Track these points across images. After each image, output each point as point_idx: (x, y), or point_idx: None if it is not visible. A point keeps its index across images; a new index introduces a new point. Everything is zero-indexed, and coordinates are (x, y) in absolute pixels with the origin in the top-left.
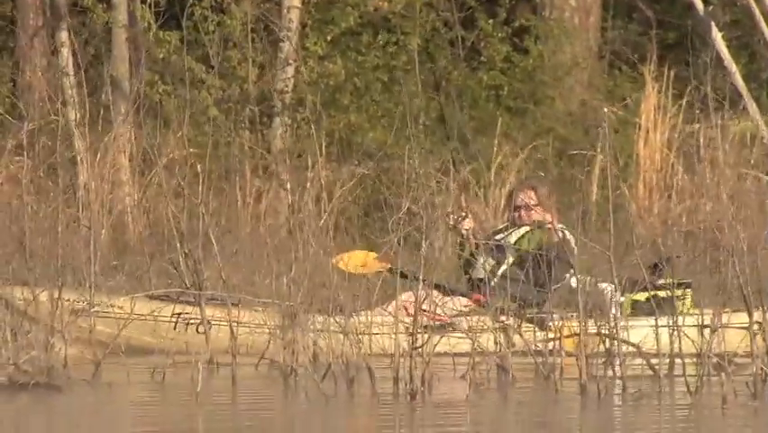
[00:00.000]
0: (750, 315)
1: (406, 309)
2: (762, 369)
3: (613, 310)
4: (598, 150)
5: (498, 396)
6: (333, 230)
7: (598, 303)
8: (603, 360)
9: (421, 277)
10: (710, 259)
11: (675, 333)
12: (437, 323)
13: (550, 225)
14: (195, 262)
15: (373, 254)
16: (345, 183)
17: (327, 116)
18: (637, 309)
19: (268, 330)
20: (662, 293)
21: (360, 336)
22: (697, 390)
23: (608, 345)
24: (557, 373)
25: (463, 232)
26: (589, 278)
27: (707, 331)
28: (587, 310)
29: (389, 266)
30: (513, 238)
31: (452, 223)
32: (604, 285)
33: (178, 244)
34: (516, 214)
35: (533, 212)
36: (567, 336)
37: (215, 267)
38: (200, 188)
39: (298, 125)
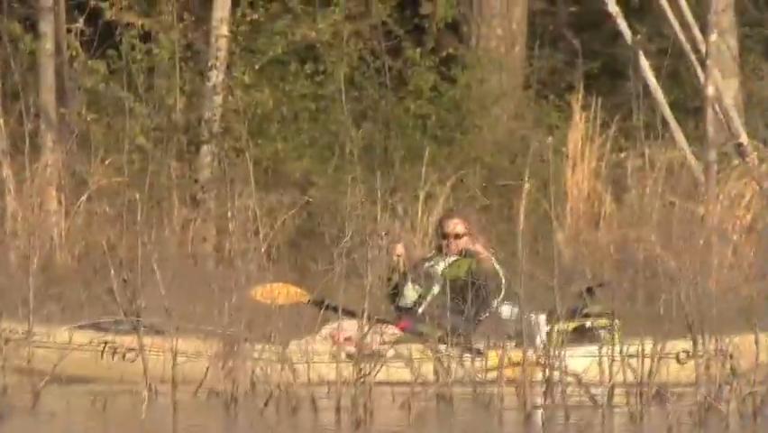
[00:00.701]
0: (695, 343)
1: (333, 339)
2: (705, 397)
3: (540, 339)
4: (526, 178)
5: (440, 425)
6: (266, 259)
7: (528, 332)
8: (543, 389)
9: (341, 307)
10: (645, 288)
11: (614, 363)
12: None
13: (479, 253)
14: (132, 290)
15: (293, 288)
16: (274, 212)
17: (254, 145)
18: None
19: (206, 359)
20: (590, 322)
21: (299, 365)
22: (641, 418)
23: (547, 374)
24: (497, 402)
25: (394, 258)
26: (518, 308)
27: (640, 361)
28: (526, 339)
29: (308, 297)
30: (440, 267)
31: (384, 247)
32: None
33: (112, 271)
34: (445, 242)
35: (461, 241)
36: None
37: (152, 295)
38: (139, 216)
39: (226, 154)
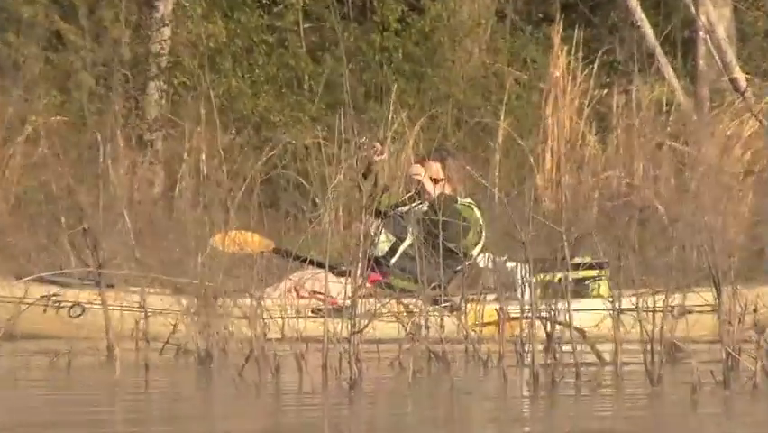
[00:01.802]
0: (719, 294)
1: (296, 292)
2: (728, 355)
3: (524, 291)
4: (502, 117)
5: (437, 386)
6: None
7: (507, 283)
8: (545, 346)
9: (309, 257)
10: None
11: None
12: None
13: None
14: (94, 240)
15: (256, 235)
16: (229, 154)
17: (206, 81)
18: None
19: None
20: (577, 274)
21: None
22: (659, 378)
23: (548, 329)
24: (498, 360)
25: (376, 160)
26: (496, 256)
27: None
28: (531, 291)
29: (273, 246)
30: (413, 215)
31: (363, 153)
32: (511, 264)
33: (63, 219)
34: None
35: (438, 186)
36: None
37: (116, 245)
38: (102, 158)
39: (175, 91)
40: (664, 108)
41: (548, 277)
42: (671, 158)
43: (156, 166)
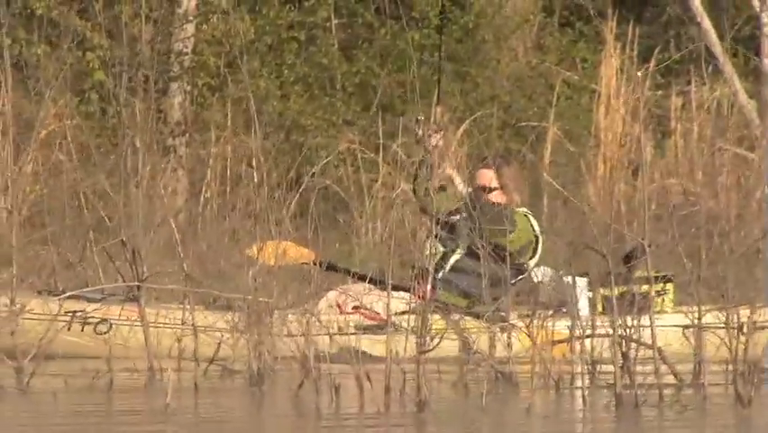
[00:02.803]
0: None
1: (339, 308)
2: None
3: (583, 306)
4: (551, 120)
5: (510, 408)
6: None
7: (564, 298)
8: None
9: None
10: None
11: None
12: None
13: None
14: (134, 252)
15: (296, 246)
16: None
17: (232, 82)
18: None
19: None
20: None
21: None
22: (750, 401)
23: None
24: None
25: (430, 146)
26: (553, 270)
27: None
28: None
29: (314, 258)
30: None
31: (419, 133)
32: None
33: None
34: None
35: (492, 196)
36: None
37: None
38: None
39: (199, 92)
40: (725, 111)
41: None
42: (732, 164)
43: (179, 173)
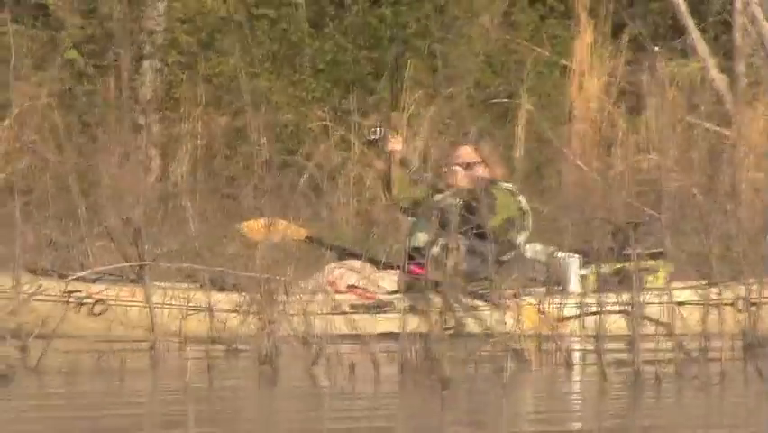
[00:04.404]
0: None
1: (334, 286)
2: None
3: (575, 284)
4: (523, 98)
5: (524, 384)
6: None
7: (558, 276)
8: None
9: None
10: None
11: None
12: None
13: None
14: (135, 231)
15: (287, 223)
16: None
17: (204, 60)
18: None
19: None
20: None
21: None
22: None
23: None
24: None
25: (389, 151)
26: (547, 248)
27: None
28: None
29: (306, 234)
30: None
31: (371, 137)
32: (562, 255)
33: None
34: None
35: (474, 171)
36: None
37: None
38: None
39: (170, 70)
40: (697, 86)
41: (606, 268)
42: (705, 140)
43: (151, 151)
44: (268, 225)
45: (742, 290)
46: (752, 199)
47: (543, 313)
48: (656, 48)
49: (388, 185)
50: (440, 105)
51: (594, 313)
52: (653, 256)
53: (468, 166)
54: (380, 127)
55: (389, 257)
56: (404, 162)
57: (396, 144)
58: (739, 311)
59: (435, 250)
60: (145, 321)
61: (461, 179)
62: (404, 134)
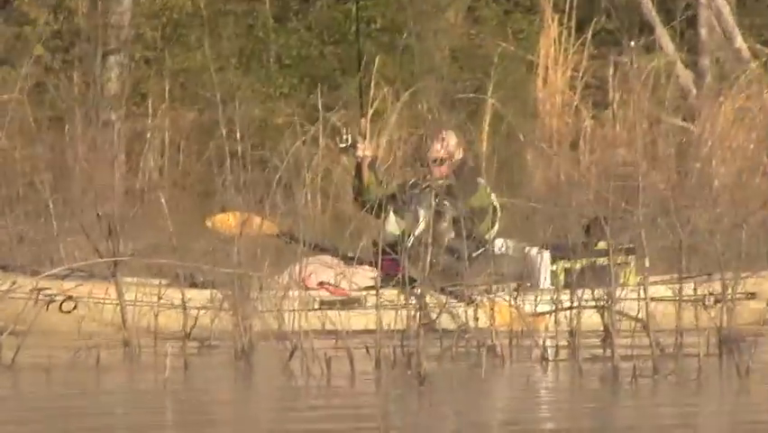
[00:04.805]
0: None
1: (305, 282)
2: None
3: (544, 279)
4: (489, 92)
5: (500, 379)
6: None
7: (527, 271)
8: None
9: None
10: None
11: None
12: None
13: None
14: (110, 226)
15: (257, 217)
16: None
17: (170, 55)
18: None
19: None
20: (601, 260)
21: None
22: (747, 371)
23: (606, 320)
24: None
25: (358, 157)
26: (515, 243)
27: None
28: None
29: (278, 229)
30: (426, 195)
31: (342, 144)
32: (532, 250)
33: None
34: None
35: (445, 165)
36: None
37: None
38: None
39: (137, 65)
40: (662, 81)
41: (574, 264)
42: (671, 134)
43: (119, 146)
44: (242, 220)
45: (717, 286)
46: (720, 194)
47: (516, 309)
48: (632, 43)
49: (359, 190)
50: (407, 101)
51: (569, 308)
52: (626, 252)
53: (449, 154)
54: (349, 134)
55: (361, 253)
56: (371, 167)
57: (365, 150)
58: (711, 307)
59: (411, 240)
60: (117, 318)
61: (442, 169)
62: (372, 139)
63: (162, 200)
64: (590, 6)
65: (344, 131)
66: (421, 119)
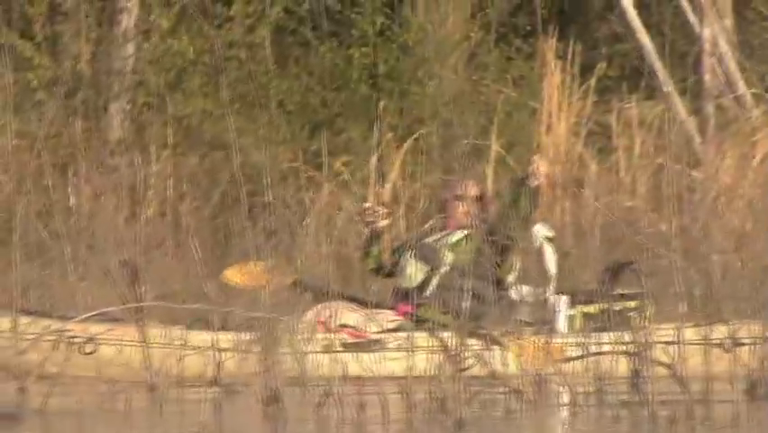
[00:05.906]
0: None
1: (323, 325)
2: None
3: (562, 324)
4: (493, 138)
5: (535, 425)
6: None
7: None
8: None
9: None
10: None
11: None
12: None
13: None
14: (132, 271)
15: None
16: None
17: (173, 101)
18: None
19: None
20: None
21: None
22: None
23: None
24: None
25: (378, 228)
26: (535, 288)
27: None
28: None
29: (293, 278)
30: (449, 240)
31: (367, 219)
32: (550, 295)
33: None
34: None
35: (474, 207)
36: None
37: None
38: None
39: (140, 111)
40: (666, 128)
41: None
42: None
43: (122, 192)
44: (257, 270)
45: (743, 331)
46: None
47: (544, 352)
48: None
49: (366, 255)
50: (411, 147)
51: (598, 354)
52: (637, 297)
53: (474, 200)
54: (370, 207)
55: (378, 297)
56: (379, 234)
57: (384, 221)
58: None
59: (431, 289)
60: (139, 360)
61: (461, 215)
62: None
63: (194, 245)
64: (592, 54)
65: (367, 205)
66: (427, 166)
